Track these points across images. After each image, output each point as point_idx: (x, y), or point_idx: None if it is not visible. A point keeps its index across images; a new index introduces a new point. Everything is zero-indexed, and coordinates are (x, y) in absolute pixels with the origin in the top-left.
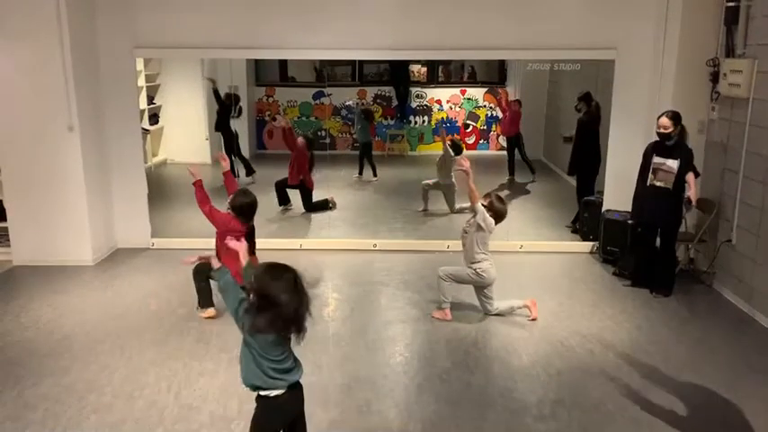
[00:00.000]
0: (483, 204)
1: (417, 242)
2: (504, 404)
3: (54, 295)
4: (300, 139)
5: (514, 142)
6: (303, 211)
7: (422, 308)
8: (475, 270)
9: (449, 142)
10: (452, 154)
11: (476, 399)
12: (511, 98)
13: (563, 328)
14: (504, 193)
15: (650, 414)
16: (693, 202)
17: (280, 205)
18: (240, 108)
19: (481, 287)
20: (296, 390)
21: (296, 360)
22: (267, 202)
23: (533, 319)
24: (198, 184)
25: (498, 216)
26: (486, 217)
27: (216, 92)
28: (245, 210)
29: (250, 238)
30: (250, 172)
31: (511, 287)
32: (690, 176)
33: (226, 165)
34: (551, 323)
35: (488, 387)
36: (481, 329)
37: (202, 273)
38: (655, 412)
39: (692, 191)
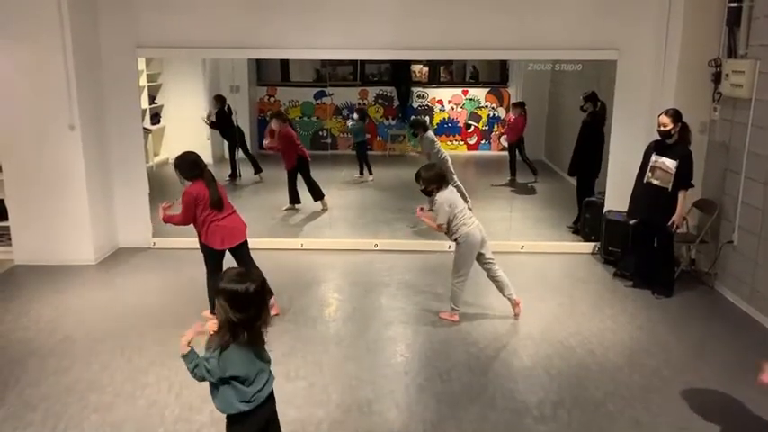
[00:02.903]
0: (425, 190)
1: (418, 242)
2: (505, 404)
3: (55, 295)
4: (275, 125)
5: (515, 143)
6: (311, 200)
7: (423, 308)
8: (458, 242)
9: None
10: (421, 134)
11: (477, 399)
12: (514, 100)
13: (564, 328)
14: (507, 191)
15: (651, 414)
16: (676, 226)
17: (291, 203)
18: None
19: (479, 254)
20: (269, 396)
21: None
22: (272, 201)
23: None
24: (166, 219)
25: (439, 181)
26: (438, 211)
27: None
28: (183, 165)
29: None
30: (257, 171)
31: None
32: (680, 196)
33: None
34: (552, 324)
35: (489, 387)
36: (482, 330)
37: (216, 268)
38: (656, 413)
39: (677, 213)
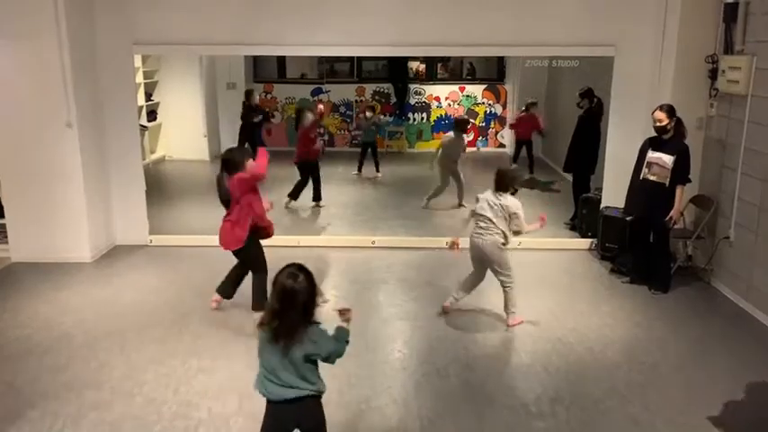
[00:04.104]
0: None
1: (416, 239)
2: (503, 401)
3: (52, 292)
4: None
5: (529, 140)
6: (310, 203)
7: (421, 305)
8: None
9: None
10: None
11: (474, 396)
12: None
13: (562, 325)
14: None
15: (649, 411)
16: (675, 221)
17: (289, 196)
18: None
19: (489, 265)
20: (287, 404)
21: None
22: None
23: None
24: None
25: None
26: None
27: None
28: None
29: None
30: None
31: None
32: (678, 191)
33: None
34: (550, 320)
35: (487, 384)
36: (480, 326)
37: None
38: (653, 409)
39: (675, 208)
